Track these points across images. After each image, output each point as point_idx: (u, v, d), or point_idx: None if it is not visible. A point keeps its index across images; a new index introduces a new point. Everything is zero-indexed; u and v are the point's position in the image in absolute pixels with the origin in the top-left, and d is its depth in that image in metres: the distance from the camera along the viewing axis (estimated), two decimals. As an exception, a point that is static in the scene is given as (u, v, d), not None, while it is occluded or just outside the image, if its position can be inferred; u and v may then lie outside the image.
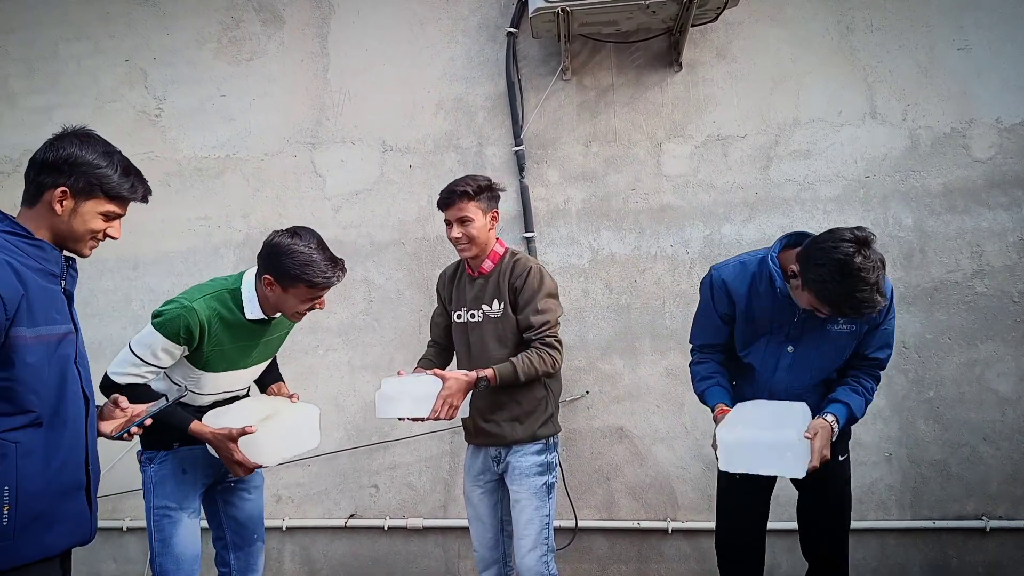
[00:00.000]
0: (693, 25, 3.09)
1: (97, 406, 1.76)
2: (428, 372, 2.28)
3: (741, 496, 2.32)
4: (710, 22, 3.14)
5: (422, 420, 2.24)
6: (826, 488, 2.26)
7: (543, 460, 2.37)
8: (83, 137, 1.66)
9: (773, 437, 1.97)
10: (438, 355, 2.60)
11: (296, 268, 2.00)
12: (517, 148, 3.28)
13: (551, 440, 2.41)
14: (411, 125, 3.40)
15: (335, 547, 3.42)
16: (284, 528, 3.40)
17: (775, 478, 2.26)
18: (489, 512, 2.48)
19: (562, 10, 2.88)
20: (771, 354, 2.21)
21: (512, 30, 3.28)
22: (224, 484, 2.30)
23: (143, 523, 3.38)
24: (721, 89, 3.24)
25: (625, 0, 2.85)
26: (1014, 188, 3.08)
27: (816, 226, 3.16)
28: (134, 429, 1.75)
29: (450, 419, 2.23)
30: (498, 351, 2.35)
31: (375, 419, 3.37)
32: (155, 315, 2.03)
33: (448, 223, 2.36)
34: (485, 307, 2.39)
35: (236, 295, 2.10)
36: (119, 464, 3.42)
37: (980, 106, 3.12)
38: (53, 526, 1.55)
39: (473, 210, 2.32)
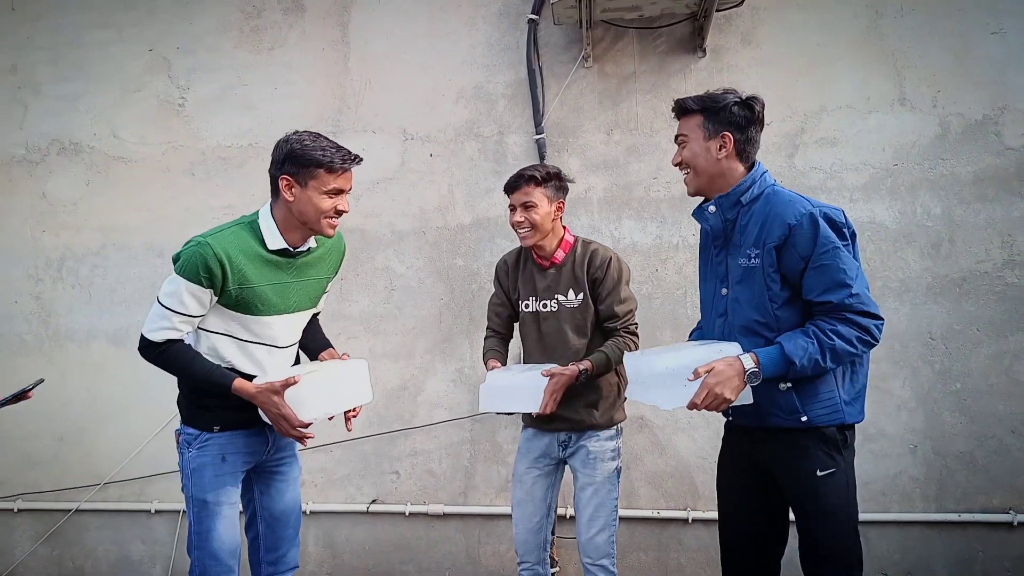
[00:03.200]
0: (718, 10, 3.04)
1: None
2: (542, 371, 2.27)
3: (732, 496, 2.10)
4: (735, 7, 3.09)
5: (531, 414, 2.31)
6: (816, 520, 1.85)
7: (615, 445, 2.44)
8: None
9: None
10: (502, 344, 2.60)
11: (312, 151, 1.94)
12: (538, 136, 3.26)
13: (621, 426, 2.48)
14: (432, 113, 3.39)
15: (357, 531, 3.47)
16: (308, 512, 3.45)
17: (766, 484, 1.96)
18: (542, 495, 2.49)
19: (584, -4, 2.85)
20: (709, 298, 2.04)
21: (533, 17, 3.25)
22: (262, 472, 2.23)
23: (171, 506, 3.50)
24: (746, 75, 3.18)
25: (649, -15, 2.81)
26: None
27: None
28: None
29: (551, 412, 2.27)
30: (577, 340, 2.39)
31: (396, 406, 3.41)
32: (174, 259, 1.96)
33: (512, 208, 2.39)
34: (560, 297, 2.40)
35: (255, 227, 2.01)
36: (146, 448, 3.49)
37: (1013, 92, 3.04)
38: None
39: (539, 196, 2.35)
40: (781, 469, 1.90)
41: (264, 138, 3.50)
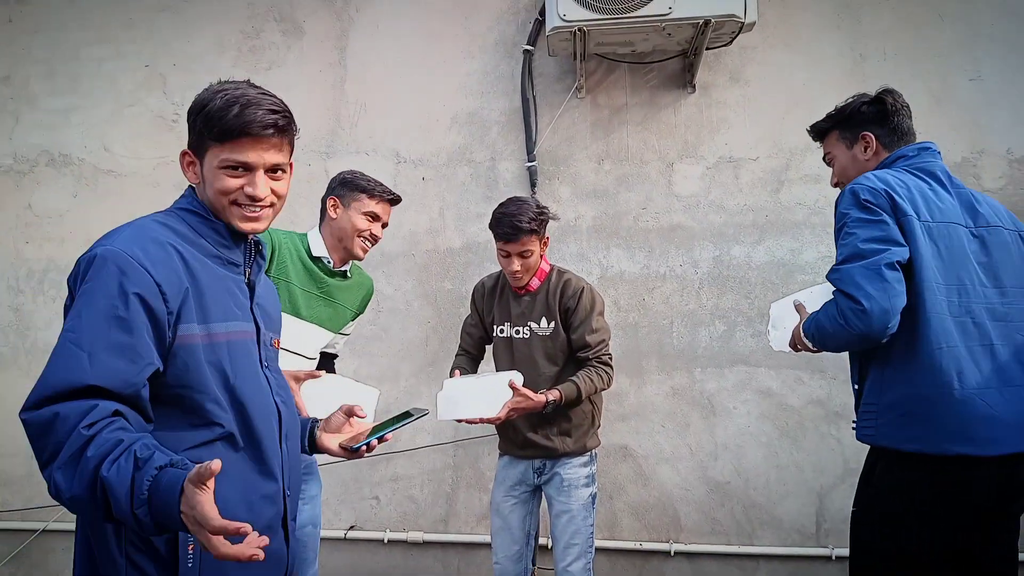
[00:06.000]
0: (708, 48, 3.12)
1: (316, 419, 1.54)
2: (508, 381, 2.24)
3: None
4: (724, 46, 3.17)
5: (487, 421, 2.25)
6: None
7: (589, 472, 2.45)
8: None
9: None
10: (470, 364, 2.63)
11: (359, 179, 2.29)
12: (530, 164, 3.30)
13: (595, 452, 2.49)
14: (425, 138, 3.43)
15: (334, 558, 3.39)
16: (283, 537, 3.37)
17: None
18: (519, 523, 2.49)
19: (579, 29, 2.91)
20: None
21: (528, 47, 3.31)
22: None
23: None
24: (734, 112, 3.27)
25: (641, 22, 2.89)
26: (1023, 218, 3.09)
27: (826, 251, 3.18)
28: (373, 442, 1.45)
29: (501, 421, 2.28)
30: (548, 368, 2.41)
31: (379, 430, 3.37)
32: None
33: (506, 254, 2.36)
34: (533, 324, 2.43)
35: (303, 237, 2.30)
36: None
37: (991, 136, 3.13)
38: (248, 568, 1.14)
39: (534, 244, 2.36)
40: None
41: (257, 157, 3.50)
